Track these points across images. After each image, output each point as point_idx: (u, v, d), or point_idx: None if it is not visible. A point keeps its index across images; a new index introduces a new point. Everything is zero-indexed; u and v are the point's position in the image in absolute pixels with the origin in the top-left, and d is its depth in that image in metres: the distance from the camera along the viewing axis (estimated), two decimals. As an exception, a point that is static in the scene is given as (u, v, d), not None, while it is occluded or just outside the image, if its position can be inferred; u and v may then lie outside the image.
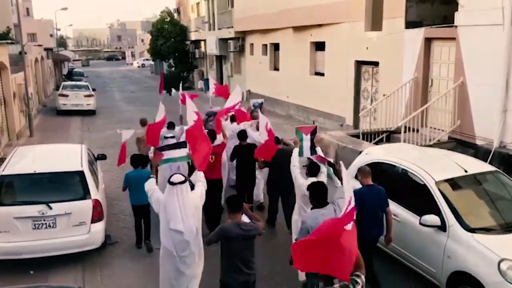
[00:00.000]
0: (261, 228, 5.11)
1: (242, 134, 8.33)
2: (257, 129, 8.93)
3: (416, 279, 6.59)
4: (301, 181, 6.29)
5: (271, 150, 7.41)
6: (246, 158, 8.01)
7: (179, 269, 5.41)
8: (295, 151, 6.80)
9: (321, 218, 4.68)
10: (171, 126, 9.92)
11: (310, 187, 5.44)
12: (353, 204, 3.68)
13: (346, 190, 3.94)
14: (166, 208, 5.31)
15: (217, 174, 7.78)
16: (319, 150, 6.95)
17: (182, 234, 5.28)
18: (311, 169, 6.44)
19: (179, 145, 6.41)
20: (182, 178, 5.37)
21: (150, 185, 5.68)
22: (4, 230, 6.84)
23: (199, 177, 5.91)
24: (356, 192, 5.05)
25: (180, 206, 5.27)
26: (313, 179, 6.16)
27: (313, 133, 6.81)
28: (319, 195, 5.28)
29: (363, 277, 3.72)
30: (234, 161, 8.45)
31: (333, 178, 6.04)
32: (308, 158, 6.61)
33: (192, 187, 5.65)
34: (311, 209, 5.39)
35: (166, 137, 8.70)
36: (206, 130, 7.82)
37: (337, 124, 16.49)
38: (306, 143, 6.67)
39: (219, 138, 8.37)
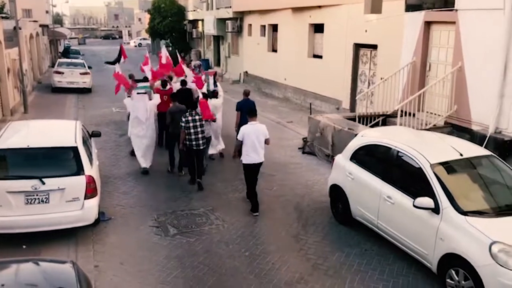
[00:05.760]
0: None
1: (183, 82, 12.61)
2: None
3: (407, 261, 6.65)
4: (212, 102, 11.22)
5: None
6: (183, 95, 11.62)
7: (141, 133, 10.60)
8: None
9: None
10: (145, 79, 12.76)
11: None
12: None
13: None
14: (135, 105, 10.65)
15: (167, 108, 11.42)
16: (218, 85, 12.38)
17: (141, 120, 10.54)
18: (212, 95, 11.67)
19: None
20: (144, 91, 10.76)
21: (127, 100, 11.60)
22: (-4, 204, 6.80)
23: (155, 96, 11.17)
24: (238, 102, 11.16)
25: (143, 105, 10.53)
26: (214, 99, 11.44)
27: (215, 75, 12.56)
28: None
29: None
30: None
31: (209, 82, 12.08)
32: (212, 90, 11.94)
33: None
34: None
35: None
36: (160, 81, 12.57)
37: (333, 107, 16.44)
38: (211, 81, 12.15)
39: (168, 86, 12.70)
